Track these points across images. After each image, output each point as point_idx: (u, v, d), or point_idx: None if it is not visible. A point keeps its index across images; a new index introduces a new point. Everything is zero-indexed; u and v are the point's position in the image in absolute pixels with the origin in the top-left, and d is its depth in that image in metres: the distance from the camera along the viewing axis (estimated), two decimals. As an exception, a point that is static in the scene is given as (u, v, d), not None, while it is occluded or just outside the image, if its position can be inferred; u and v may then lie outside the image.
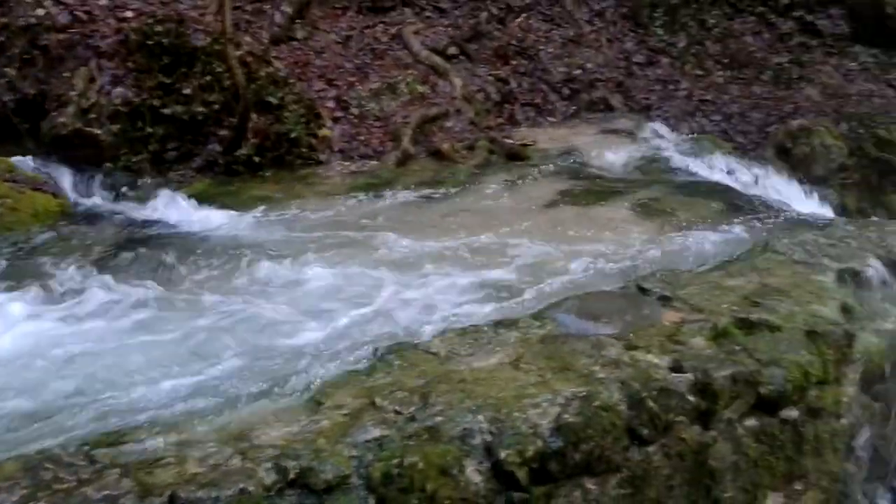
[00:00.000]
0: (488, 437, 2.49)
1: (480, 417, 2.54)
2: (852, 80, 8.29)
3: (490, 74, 6.72)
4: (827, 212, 5.68)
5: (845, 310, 3.52)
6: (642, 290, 3.50)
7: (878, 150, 7.05)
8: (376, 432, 2.48)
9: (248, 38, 6.33)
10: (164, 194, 5.16)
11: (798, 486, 3.05)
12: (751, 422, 2.97)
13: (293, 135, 5.62)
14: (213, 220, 4.82)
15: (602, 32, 7.78)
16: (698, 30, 8.47)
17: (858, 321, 3.50)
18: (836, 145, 6.72)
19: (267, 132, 5.57)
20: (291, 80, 6.09)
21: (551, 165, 5.58)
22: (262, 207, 4.91)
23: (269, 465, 2.32)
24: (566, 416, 2.56)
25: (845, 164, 6.72)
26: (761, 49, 8.25)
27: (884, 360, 3.44)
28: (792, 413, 3.06)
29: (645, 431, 2.67)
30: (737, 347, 3.11)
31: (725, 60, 8.31)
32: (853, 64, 8.58)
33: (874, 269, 3.94)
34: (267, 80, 5.83)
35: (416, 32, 6.88)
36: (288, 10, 6.79)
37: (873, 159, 6.96)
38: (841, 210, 6.03)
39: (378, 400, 2.65)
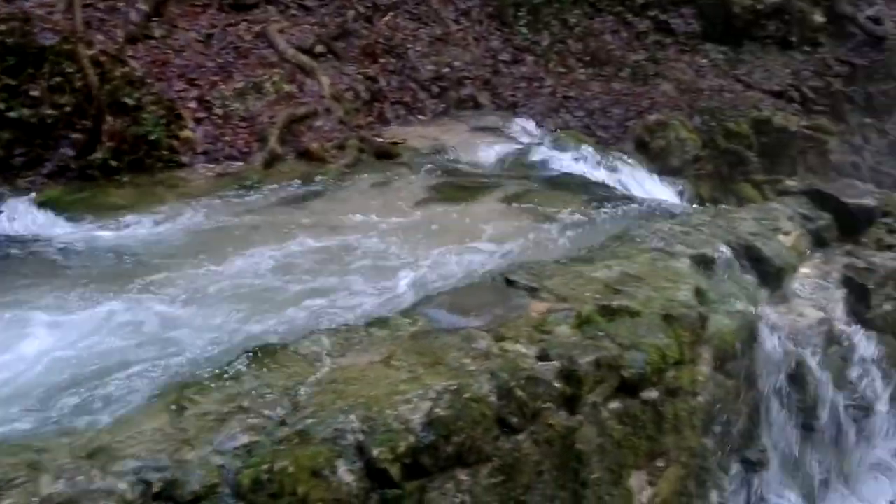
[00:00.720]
0: (360, 437, 2.48)
1: (352, 417, 2.53)
2: (704, 76, 8.78)
3: (359, 73, 6.69)
4: (682, 201, 5.98)
5: (699, 293, 3.71)
6: (510, 283, 3.57)
7: (728, 142, 7.51)
8: (245, 438, 2.43)
9: (101, 37, 6.04)
10: (12, 202, 4.85)
11: (660, 464, 3.20)
12: (614, 404, 3.09)
13: (152, 137, 5.41)
14: (63, 227, 4.56)
15: (469, 31, 7.90)
16: (561, 29, 8.74)
17: (711, 304, 3.71)
18: (689, 138, 7.09)
19: (124, 135, 5.33)
20: (149, 81, 5.86)
21: (422, 163, 5.62)
22: (118, 213, 4.68)
23: (131, 478, 2.23)
24: (438, 410, 2.59)
25: (699, 155, 7.11)
26: (620, 47, 8.62)
27: (735, 339, 3.66)
28: (652, 394, 3.20)
29: (514, 420, 2.74)
30: (600, 334, 3.22)
31: (587, 58, 8.61)
32: (704, 61, 9.09)
33: (724, 254, 4.18)
34: (122, 81, 5.58)
35: (282, 31, 6.76)
36: (144, 7, 6.53)
37: (723, 151, 7.41)
38: (695, 199, 6.37)
39: (246, 404, 2.60)
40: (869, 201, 5.16)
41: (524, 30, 8.48)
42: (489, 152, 5.84)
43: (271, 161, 5.48)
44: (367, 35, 7.11)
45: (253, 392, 2.65)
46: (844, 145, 9.32)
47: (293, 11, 7.20)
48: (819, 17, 10.19)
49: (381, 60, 6.91)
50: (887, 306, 4.65)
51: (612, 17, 8.93)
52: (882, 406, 4.37)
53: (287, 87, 6.23)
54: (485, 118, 6.68)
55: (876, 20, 10.61)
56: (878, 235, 5.18)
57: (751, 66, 9.27)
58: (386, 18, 7.42)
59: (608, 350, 3.12)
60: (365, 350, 2.95)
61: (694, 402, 3.37)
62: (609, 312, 3.37)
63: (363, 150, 5.66)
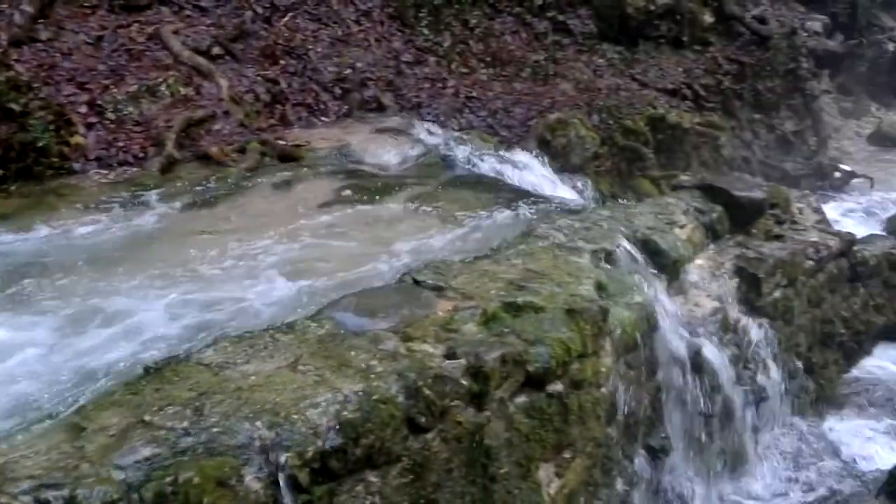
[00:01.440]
0: (268, 443, 2.45)
1: (258, 424, 2.50)
2: (601, 76, 9.02)
3: (258, 75, 6.57)
4: (583, 198, 6.12)
5: (600, 287, 3.82)
6: (417, 283, 3.59)
7: (626, 139, 7.74)
8: (147, 451, 2.37)
9: (-18, 40, 5.74)
10: None
11: (567, 455, 3.28)
12: (521, 399, 3.16)
13: (41, 144, 5.16)
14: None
15: (370, 32, 7.88)
16: (462, 29, 8.82)
17: (611, 297, 3.82)
18: (589, 136, 7.28)
19: (10, 142, 5.07)
20: (36, 85, 5.60)
21: (326, 165, 5.56)
22: (3, 224, 4.45)
23: (27, 498, 2.15)
24: (346, 413, 2.59)
25: (598, 152, 7.30)
26: (520, 47, 8.76)
27: (635, 330, 3.78)
28: (557, 387, 3.28)
29: (423, 419, 2.75)
30: (505, 330, 3.28)
31: (488, 58, 8.72)
32: (601, 60, 9.35)
33: (623, 248, 4.31)
34: (7, 86, 5.31)
35: (176, 32, 6.57)
36: (29, 9, 6.22)
37: (622, 147, 7.63)
38: (596, 195, 6.53)
39: (148, 417, 2.53)
40: (757, 194, 5.43)
41: (426, 30, 8.52)
42: (394, 153, 5.83)
43: (169, 166, 5.32)
44: (266, 36, 6.99)
45: (155, 405, 2.58)
46: (735, 140, 9.75)
47: (188, 12, 7.01)
48: (708, 18, 10.62)
49: (282, 62, 6.81)
50: (777, 294, 4.90)
51: (511, 18, 9.07)
52: (774, 389, 4.60)
53: (183, 90, 6.06)
54: (389, 119, 6.67)
55: (761, 20, 11.14)
56: (766, 226, 5.46)
57: (646, 65, 9.58)
58: (285, 19, 7.31)
59: (514, 346, 3.18)
60: (271, 356, 2.91)
61: (598, 394, 3.47)
62: (514, 309, 3.43)
63: (265, 153, 5.56)
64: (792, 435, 4.69)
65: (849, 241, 5.69)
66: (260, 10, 7.28)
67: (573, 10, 9.48)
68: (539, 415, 3.20)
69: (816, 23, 12.31)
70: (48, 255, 4.13)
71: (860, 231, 7.27)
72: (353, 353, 2.92)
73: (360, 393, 2.67)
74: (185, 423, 2.50)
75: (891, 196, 9.96)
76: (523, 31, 9.03)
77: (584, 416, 3.37)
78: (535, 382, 3.20)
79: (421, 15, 8.61)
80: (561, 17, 9.32)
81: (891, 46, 13.74)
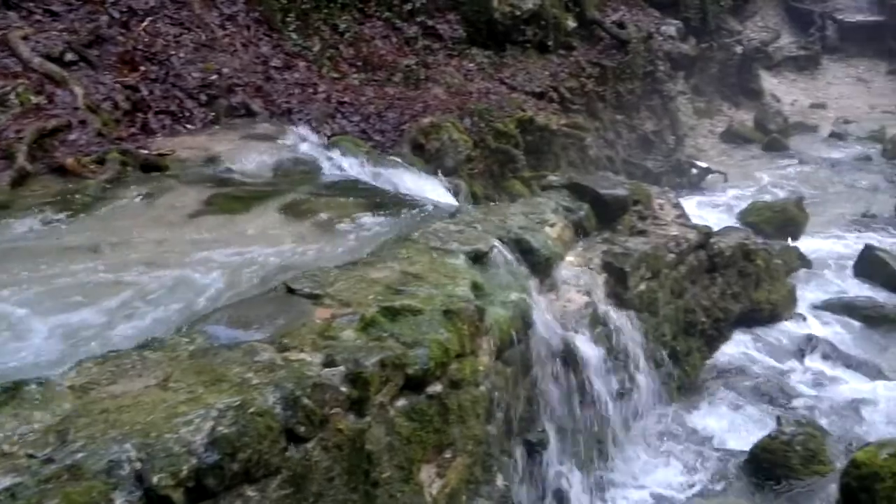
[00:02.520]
0: (138, 465, 2.37)
1: (128, 446, 2.40)
2: (472, 80, 9.17)
3: (117, 82, 6.27)
4: (458, 200, 6.21)
5: (476, 288, 3.89)
6: (292, 292, 3.54)
7: (497, 142, 7.90)
8: (6, 481, 2.25)
9: None
10: None
11: (448, 455, 3.31)
12: (401, 402, 3.17)
13: None
14: None
15: (236, 37, 7.69)
16: (331, 34, 8.76)
17: (487, 296, 3.90)
18: (462, 139, 7.38)
19: None
20: None
21: (192, 174, 5.38)
22: None
23: None
24: (221, 428, 2.52)
25: (471, 155, 7.42)
26: (391, 52, 8.79)
27: (511, 328, 3.87)
28: (437, 388, 3.32)
29: (302, 429, 2.72)
30: (384, 334, 3.29)
31: (360, 63, 8.70)
32: (471, 65, 9.50)
33: (497, 248, 4.40)
34: None
35: (25, 38, 6.18)
36: None
37: (494, 150, 7.78)
38: (470, 197, 6.64)
39: (6, 447, 2.39)
40: (621, 192, 5.66)
41: (294, 35, 8.40)
42: (264, 160, 5.70)
43: (20, 179, 5.00)
44: (125, 42, 6.69)
45: (13, 434, 2.44)
46: (600, 141, 10.14)
47: (38, 17, 6.61)
48: (571, 23, 11.00)
49: (142, 68, 6.53)
50: (642, 286, 5.13)
51: (381, 23, 9.08)
52: (643, 379, 4.81)
53: (35, 99, 5.71)
54: (258, 126, 6.52)
55: (620, 25, 11.64)
56: (630, 222, 5.70)
57: (514, 69, 9.82)
58: (144, 24, 7.02)
59: (393, 350, 3.19)
60: (139, 375, 2.80)
61: (476, 392, 3.53)
62: (392, 313, 3.44)
63: (127, 164, 5.31)
64: (660, 421, 4.92)
65: (706, 233, 6.02)
66: (116, 15, 6.97)
67: (442, 16, 9.59)
68: (419, 417, 3.22)
69: (671, 27, 12.98)
70: None
71: (716, 224, 7.73)
72: (226, 366, 2.85)
73: (236, 407, 2.60)
74: (48, 450, 2.38)
75: (743, 190, 10.64)
76: (394, 36, 9.07)
77: (463, 416, 3.41)
78: (414, 385, 3.23)
79: (289, 19, 8.49)
80: (430, 23, 9.41)
81: (739, 49, 14.67)
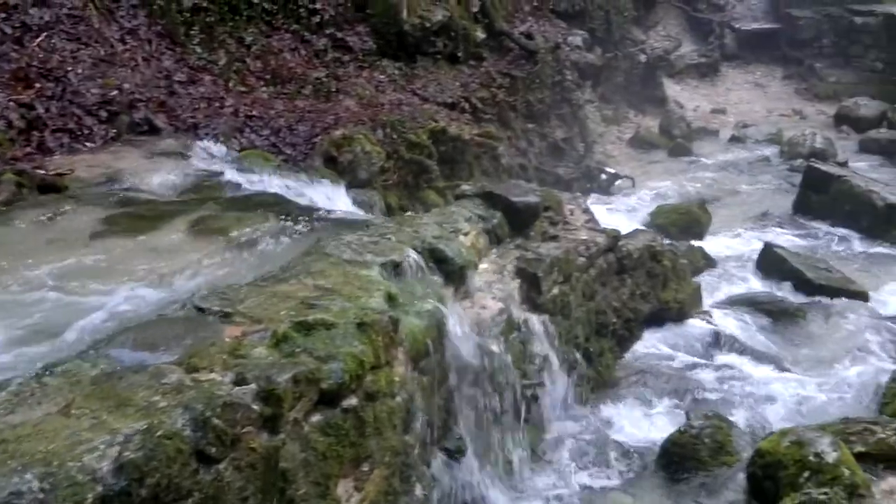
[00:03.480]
0: (40, 496, 2.28)
1: (28, 476, 2.32)
2: (383, 91, 9.19)
3: (10, 100, 6.01)
4: (372, 212, 6.20)
5: (390, 298, 3.89)
6: (201, 311, 3.47)
7: (411, 153, 7.94)
8: None
9: None
10: None
11: (365, 468, 3.30)
12: (316, 417, 3.15)
13: None
14: None
15: (137, 51, 7.49)
16: (238, 47, 8.64)
17: (402, 307, 3.91)
18: (375, 151, 7.38)
19: None
20: None
21: (93, 194, 5.19)
22: None
23: None
24: (127, 453, 2.46)
25: (385, 167, 7.42)
26: (300, 64, 8.71)
27: (426, 337, 3.89)
28: (352, 401, 3.30)
29: (213, 450, 2.67)
30: (297, 350, 3.26)
31: (268, 76, 8.60)
32: (383, 76, 9.52)
33: (411, 258, 4.42)
34: None
35: None
36: None
37: (407, 161, 7.81)
38: (385, 209, 6.64)
39: None
40: (532, 199, 5.76)
41: (199, 49, 8.24)
42: (170, 177, 5.55)
43: None
44: (18, 58, 6.42)
45: None
46: (512, 149, 10.30)
47: (-76, 33, 6.32)
48: (480, 34, 11.16)
49: (38, 85, 6.28)
50: (555, 290, 5.23)
51: (289, 35, 9.00)
52: (558, 381, 4.90)
53: (-78, 119, 5.45)
54: (163, 142, 6.35)
55: (528, 36, 11.88)
56: (542, 228, 5.81)
57: (425, 80, 9.89)
58: (39, 40, 6.77)
59: (306, 364, 3.17)
60: (38, 402, 2.70)
61: (393, 403, 3.53)
62: (305, 328, 3.42)
63: (22, 185, 5.09)
64: (575, 422, 5.02)
65: (614, 237, 6.19)
66: (9, 31, 6.69)
67: (351, 28, 9.58)
68: (335, 431, 3.20)
69: (577, 38, 13.33)
70: None
71: (625, 227, 7.95)
72: (132, 390, 2.77)
73: (143, 431, 2.54)
74: (-60, 487, 2.27)
75: (651, 193, 10.97)
76: (303, 48, 9.00)
77: (380, 428, 3.41)
78: (329, 399, 3.21)
79: (193, 33, 8.33)
80: (340, 35, 9.39)
81: (643, 58, 15.16)
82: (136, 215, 4.91)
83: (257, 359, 3.11)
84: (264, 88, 8.31)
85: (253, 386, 2.92)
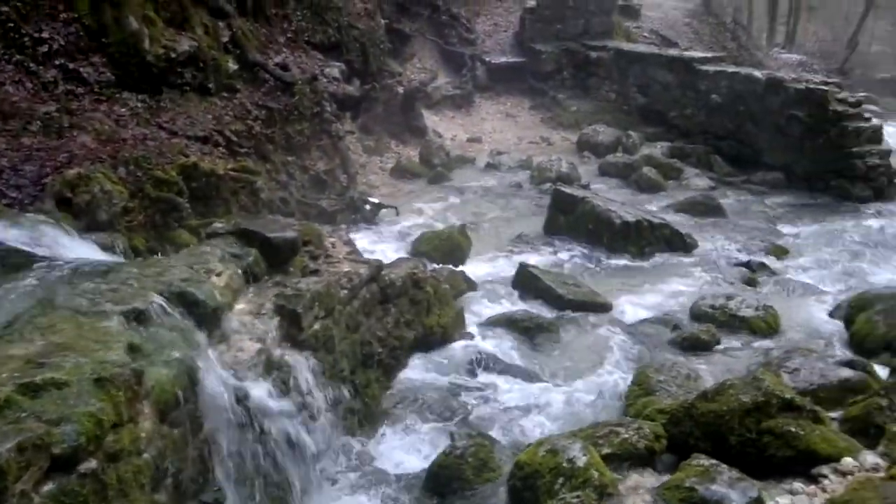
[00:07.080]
0: None
1: None
2: (125, 125, 8.59)
3: None
4: (115, 256, 5.76)
5: (133, 349, 3.64)
6: None
7: (158, 191, 7.49)
8: None
9: None
10: None
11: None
12: (48, 487, 2.88)
13: None
14: None
15: None
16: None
17: (146, 357, 3.66)
18: (116, 189, 6.89)
19: None
20: None
21: None
22: None
23: None
24: None
25: (128, 206, 6.94)
26: (25, 98, 7.91)
27: (175, 387, 3.66)
28: (91, 464, 3.05)
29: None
30: (23, 414, 3.00)
31: (-12, 112, 7.75)
32: (124, 109, 8.89)
33: (157, 304, 4.15)
34: None
35: None
36: None
37: (154, 199, 7.36)
38: (130, 252, 6.20)
39: None
40: (290, 234, 5.65)
41: None
42: None
43: None
44: None
45: None
46: (272, 183, 10.09)
47: None
48: (232, 65, 10.85)
49: None
50: (316, 326, 5.15)
51: (11, 67, 8.16)
52: (323, 417, 4.82)
53: None
54: None
55: (284, 67, 11.75)
56: (302, 263, 5.72)
57: (173, 114, 9.41)
58: None
59: (33, 430, 2.89)
60: None
61: (139, 461, 3.29)
62: (32, 389, 3.14)
63: None
64: (343, 455, 4.96)
65: (377, 266, 6.23)
66: None
67: (85, 58, 8.87)
68: (71, 499, 2.92)
69: (335, 69, 13.41)
70: None
71: (390, 256, 8.07)
72: None
73: None
74: None
75: (414, 221, 11.25)
76: (28, 81, 8.18)
77: (125, 489, 3.15)
78: (63, 465, 2.93)
79: None
80: (72, 65, 8.65)
81: (400, 89, 15.58)
82: None
83: (-28, 430, 2.76)
84: (-14, 125, 7.47)
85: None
